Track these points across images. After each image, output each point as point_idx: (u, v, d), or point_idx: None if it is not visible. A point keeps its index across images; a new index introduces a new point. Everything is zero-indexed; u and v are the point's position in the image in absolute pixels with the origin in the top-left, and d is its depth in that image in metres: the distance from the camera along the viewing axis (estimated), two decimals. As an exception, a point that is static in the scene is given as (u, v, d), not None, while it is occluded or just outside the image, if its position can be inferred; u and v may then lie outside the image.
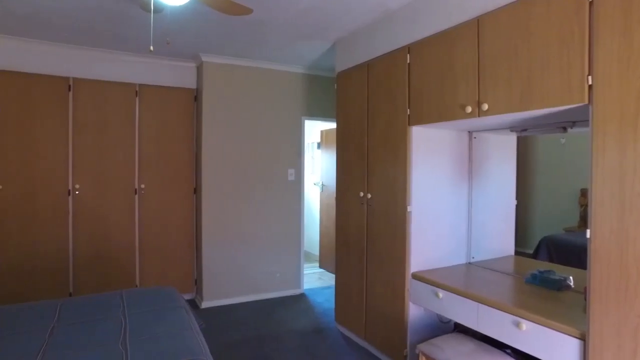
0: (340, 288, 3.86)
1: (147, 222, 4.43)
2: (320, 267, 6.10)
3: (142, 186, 4.40)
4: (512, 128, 2.78)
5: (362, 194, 3.48)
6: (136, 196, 4.38)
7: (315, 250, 6.57)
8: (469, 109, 2.45)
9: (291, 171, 4.91)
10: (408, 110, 2.98)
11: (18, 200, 3.92)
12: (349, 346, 3.56)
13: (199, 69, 4.56)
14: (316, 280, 5.52)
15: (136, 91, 4.36)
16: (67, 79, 4.09)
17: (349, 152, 3.72)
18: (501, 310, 2.22)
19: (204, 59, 4.41)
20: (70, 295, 4.12)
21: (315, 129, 6.74)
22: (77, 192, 4.13)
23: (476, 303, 2.39)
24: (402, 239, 3.04)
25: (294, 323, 4.06)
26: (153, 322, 2.30)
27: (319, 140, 6.44)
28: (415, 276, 2.94)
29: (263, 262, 4.75)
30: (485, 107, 2.35)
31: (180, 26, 3.53)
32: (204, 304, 4.45)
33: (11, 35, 3.82)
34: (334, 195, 4.07)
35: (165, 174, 4.52)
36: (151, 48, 2.40)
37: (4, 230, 3.87)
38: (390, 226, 3.17)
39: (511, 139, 3.15)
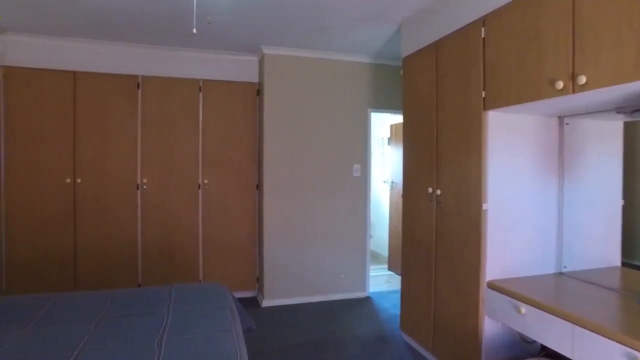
0: (406, 293, 3.48)
1: (210, 217, 4.40)
2: (389, 269, 5.72)
3: (206, 181, 4.36)
4: (619, 108, 2.23)
5: (430, 189, 3.08)
6: (199, 191, 4.36)
7: (384, 252, 6.20)
8: (559, 85, 1.97)
9: (357, 167, 4.61)
10: (483, 92, 2.54)
11: (94, 193, 4.06)
12: (413, 358, 3.18)
13: (261, 62, 4.43)
14: (383, 283, 5.16)
15: (200, 87, 4.34)
16: (136, 77, 4.16)
17: (416, 143, 3.33)
18: (607, 337, 1.73)
19: (265, 51, 4.26)
20: (139, 285, 4.20)
21: (384, 124, 6.36)
22: (144, 187, 4.20)
23: (571, 324, 1.91)
24: (476, 242, 2.60)
25: (356, 328, 3.76)
26: (194, 321, 2.15)
27: (388, 135, 6.05)
28: (492, 285, 2.49)
29: (327, 262, 4.50)
30: (583, 79, 1.86)
31: (239, 17, 3.40)
32: (265, 303, 4.30)
33: (88, 39, 3.97)
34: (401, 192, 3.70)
35: (228, 169, 4.45)
36: (194, 30, 2.25)
37: (83, 220, 4.03)
38: (462, 226, 2.74)
39: (616, 126, 2.56)
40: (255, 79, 4.53)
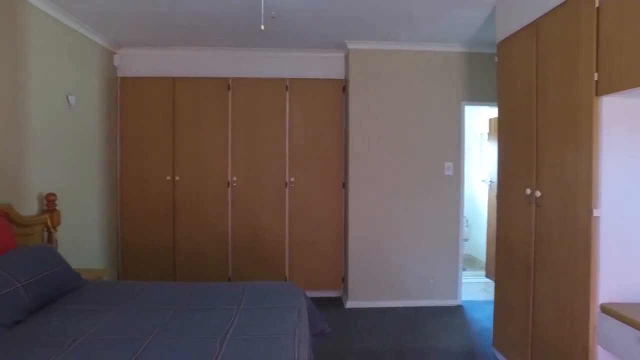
0: (499, 305, 3.07)
1: (296, 215, 4.38)
2: (487, 276, 5.19)
3: (292, 179, 4.36)
4: None
5: (528, 190, 2.64)
6: (286, 189, 4.36)
7: (482, 256, 5.65)
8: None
9: (448, 165, 4.22)
10: (595, 75, 2.07)
11: (190, 190, 4.30)
12: (508, 382, 2.78)
13: (347, 58, 4.28)
14: (479, 291, 4.68)
15: (286, 85, 4.34)
16: (226, 79, 4.31)
17: (512, 138, 2.90)
18: None
19: (349, 46, 4.10)
20: (229, 279, 4.35)
21: (483, 118, 5.79)
22: (234, 184, 4.33)
23: None
24: (584, 254, 2.15)
25: (442, 340, 3.43)
26: (260, 321, 2.09)
27: (487, 130, 5.49)
28: (607, 310, 2.03)
29: (415, 265, 4.20)
30: None
31: (319, 12, 3.29)
32: (349, 304, 4.16)
33: (184, 46, 4.21)
34: (496, 192, 3.28)
35: (314, 168, 4.39)
36: (262, 27, 2.19)
37: (181, 215, 4.30)
38: (567, 235, 2.29)
39: None
40: (341, 76, 4.39)
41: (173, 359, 1.73)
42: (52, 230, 3.19)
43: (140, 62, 4.28)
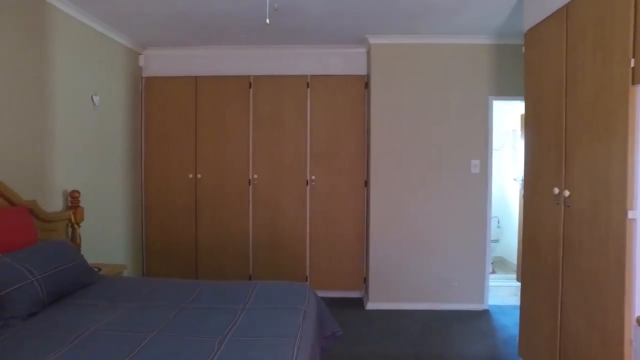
0: (525, 311, 2.86)
1: (317, 214, 4.28)
2: (518, 280, 4.90)
3: (313, 177, 4.26)
4: None
5: (556, 190, 2.43)
6: (307, 187, 4.28)
7: (513, 258, 5.36)
8: None
9: (475, 163, 4.00)
10: (632, 61, 1.86)
11: (212, 188, 4.29)
12: (535, 395, 2.58)
13: (368, 54, 4.14)
14: (509, 296, 4.41)
15: (307, 82, 4.25)
16: (248, 77, 4.27)
17: (539, 134, 2.68)
18: None
19: (371, 41, 3.96)
20: (249, 278, 4.32)
21: (514, 114, 5.47)
22: (255, 182, 4.29)
23: None
24: (618, 260, 1.94)
25: (465, 346, 3.23)
26: (262, 322, 2.01)
27: (519, 127, 5.19)
28: (642, 321, 1.82)
29: (439, 267, 4.01)
30: None
31: (336, 6, 3.18)
32: (369, 305, 4.02)
33: (206, 45, 4.21)
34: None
35: (336, 165, 4.27)
36: (267, 21, 2.11)
37: (203, 213, 4.30)
38: (598, 238, 2.08)
39: None
40: (363, 72, 4.26)
41: (168, 359, 1.68)
42: (76, 226, 3.25)
43: (164, 62, 4.31)
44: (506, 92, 3.95)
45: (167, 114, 4.31)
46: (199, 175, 4.29)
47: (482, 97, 3.98)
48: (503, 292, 4.47)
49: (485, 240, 4.05)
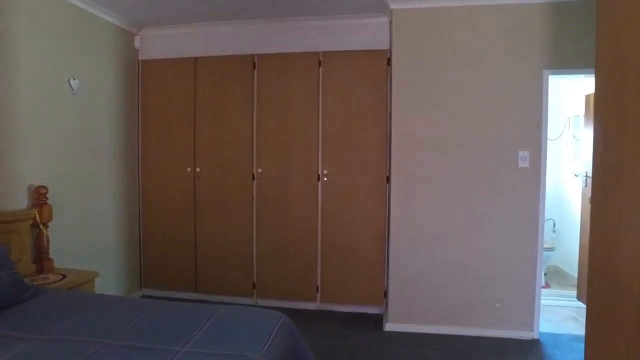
0: (593, 348, 2.01)
1: (330, 214, 3.58)
2: (580, 298, 3.94)
3: (325, 172, 3.57)
4: None
5: (647, 193, 1.59)
6: (319, 183, 3.59)
7: (572, 270, 4.37)
8: None
9: (523, 154, 3.13)
10: None
11: (212, 183, 3.71)
12: None
13: (390, 23, 3.36)
14: (566, 320, 3.48)
15: (319, 60, 3.55)
16: (251, 56, 3.63)
17: (619, 117, 1.82)
18: None
19: (393, 6, 3.18)
20: (253, 287, 3.71)
21: (576, 94, 4.44)
22: (260, 177, 3.67)
23: None
24: None
25: (507, 392, 2.43)
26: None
27: (583, 110, 4.18)
28: None
29: (474, 283, 3.19)
30: None
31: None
32: (388, 326, 3.27)
33: (205, 22, 3.63)
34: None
35: (352, 158, 3.54)
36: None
37: (202, 212, 3.73)
38: None
39: None
40: (384, 46, 3.47)
41: None
42: (42, 226, 2.79)
43: (161, 43, 3.78)
44: (566, 64, 3.03)
45: (164, 100, 3.78)
46: (198, 169, 3.73)
47: (534, 71, 3.08)
48: (558, 315, 3.55)
49: (537, 249, 3.17)
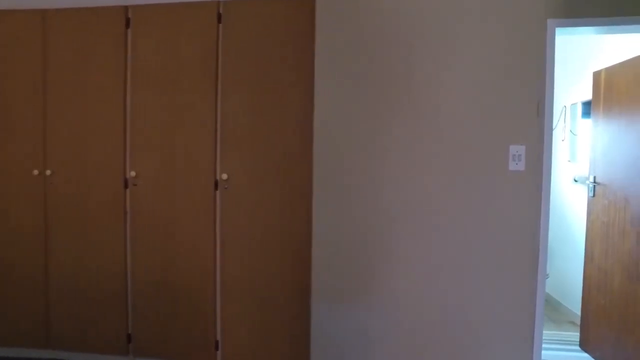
0: None
1: (234, 236, 2.32)
2: (583, 347, 2.77)
3: (225, 177, 2.32)
4: None
5: None
6: (217, 193, 2.35)
7: (572, 303, 3.22)
8: None
9: (516, 151, 1.94)
10: None
11: (69, 192, 2.41)
12: None
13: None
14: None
15: (219, 14, 2.29)
16: (124, 9, 2.36)
17: None
18: None
19: None
20: (128, 340, 2.44)
21: (578, 73, 3.29)
22: (135, 184, 2.41)
23: None
24: None
25: None
26: None
27: (588, 96, 3.02)
28: None
29: (445, 328, 2.01)
30: None
31: None
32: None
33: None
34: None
35: (266, 156, 2.29)
36: None
37: (55, 238, 2.41)
38: None
39: None
40: (312, -8, 2.27)
41: None
42: None
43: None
44: (581, 10, 1.86)
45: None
46: (48, 172, 2.43)
47: (533, 22, 1.90)
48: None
49: (535, 279, 1.99)
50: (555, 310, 3.46)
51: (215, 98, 2.30)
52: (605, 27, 1.90)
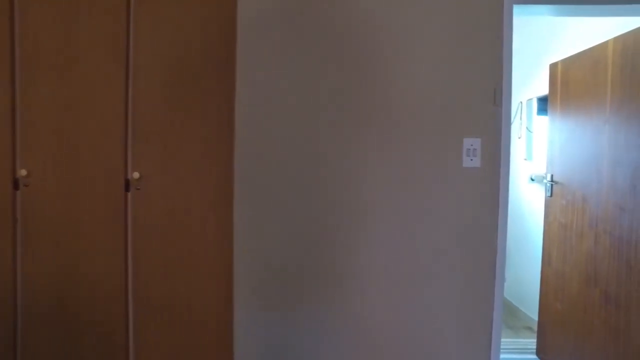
0: None
1: (148, 247, 1.95)
2: (540, 355, 2.57)
3: (136, 175, 1.93)
4: None
5: None
6: (128, 195, 1.94)
7: (525, 307, 3.05)
8: None
9: (471, 144, 1.68)
10: None
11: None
12: None
13: None
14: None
15: (127, -19, 1.92)
16: (10, -32, 1.94)
17: None
18: None
19: None
20: (20, 373, 1.99)
21: (531, 65, 3.13)
22: (26, 185, 1.96)
23: None
24: None
25: None
26: None
27: (544, 91, 2.84)
28: None
29: (391, 346, 1.73)
30: None
31: None
32: None
33: None
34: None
35: (183, 151, 1.93)
36: None
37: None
38: None
39: None
40: (240, -40, 1.92)
41: None
42: None
43: None
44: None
45: None
46: None
47: (491, 2, 1.64)
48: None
49: (493, 286, 1.74)
50: (512, 316, 3.28)
51: (124, 80, 1.90)
52: (565, 7, 1.67)
